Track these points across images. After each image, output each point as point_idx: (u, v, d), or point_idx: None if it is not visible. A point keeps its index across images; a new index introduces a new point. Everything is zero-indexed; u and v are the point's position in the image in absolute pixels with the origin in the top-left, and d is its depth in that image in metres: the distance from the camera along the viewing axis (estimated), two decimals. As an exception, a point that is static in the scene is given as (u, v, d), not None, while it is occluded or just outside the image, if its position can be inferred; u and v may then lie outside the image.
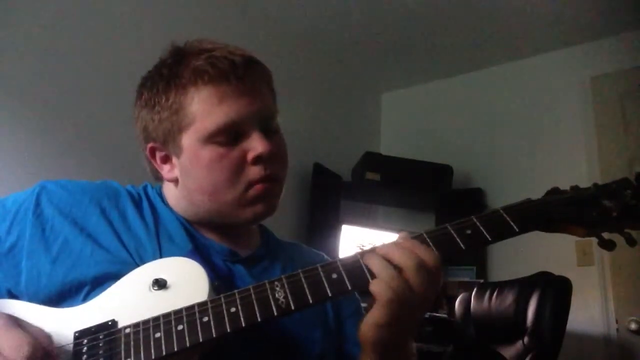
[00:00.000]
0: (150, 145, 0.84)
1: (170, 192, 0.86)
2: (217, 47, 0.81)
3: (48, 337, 0.60)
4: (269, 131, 0.81)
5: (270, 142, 0.78)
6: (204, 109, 0.77)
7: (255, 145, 0.77)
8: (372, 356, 0.66)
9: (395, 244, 0.67)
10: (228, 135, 0.77)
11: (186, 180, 0.82)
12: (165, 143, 0.82)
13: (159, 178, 0.88)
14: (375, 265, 0.64)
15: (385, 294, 0.62)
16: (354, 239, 2.88)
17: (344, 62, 3.32)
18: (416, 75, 3.50)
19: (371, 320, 0.64)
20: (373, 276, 0.65)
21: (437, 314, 2.40)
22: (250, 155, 0.77)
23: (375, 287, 0.63)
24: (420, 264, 0.63)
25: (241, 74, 0.78)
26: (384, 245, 0.67)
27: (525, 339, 1.84)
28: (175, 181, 0.84)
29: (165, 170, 0.84)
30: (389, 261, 0.65)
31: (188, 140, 0.79)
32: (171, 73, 0.80)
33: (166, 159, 0.84)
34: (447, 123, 3.40)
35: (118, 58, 2.16)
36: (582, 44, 2.94)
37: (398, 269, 0.64)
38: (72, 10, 2.05)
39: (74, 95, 2.01)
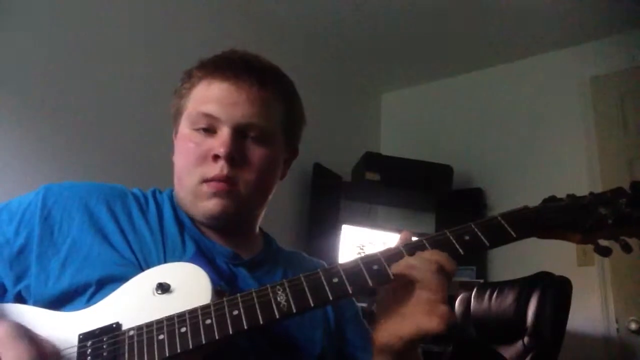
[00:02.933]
0: (174, 129, 0.91)
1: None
2: (239, 52, 0.87)
3: (55, 348, 0.60)
4: (251, 138, 0.82)
5: (233, 145, 0.79)
6: (196, 95, 0.84)
7: (217, 144, 0.80)
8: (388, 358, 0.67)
9: (417, 256, 0.67)
10: (207, 126, 0.82)
11: (174, 162, 0.87)
12: (174, 125, 0.90)
13: None
14: (420, 276, 0.65)
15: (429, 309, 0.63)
16: (354, 239, 2.89)
17: (344, 62, 3.32)
18: (416, 75, 3.51)
19: (400, 333, 0.65)
20: (387, 279, 0.66)
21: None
22: (211, 152, 0.80)
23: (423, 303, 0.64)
24: (440, 271, 0.65)
25: (240, 75, 0.82)
26: (406, 257, 0.68)
27: (525, 339, 1.84)
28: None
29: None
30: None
31: (182, 123, 0.86)
32: (192, 68, 0.88)
33: None
34: (447, 123, 3.41)
35: (123, 61, 2.17)
36: (582, 44, 2.94)
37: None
38: (77, 11, 2.05)
39: (76, 97, 2.01)
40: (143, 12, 2.30)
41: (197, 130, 0.82)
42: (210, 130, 0.82)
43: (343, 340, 0.87)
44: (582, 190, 0.77)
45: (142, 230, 0.80)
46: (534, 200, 0.80)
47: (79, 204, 0.80)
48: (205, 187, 0.80)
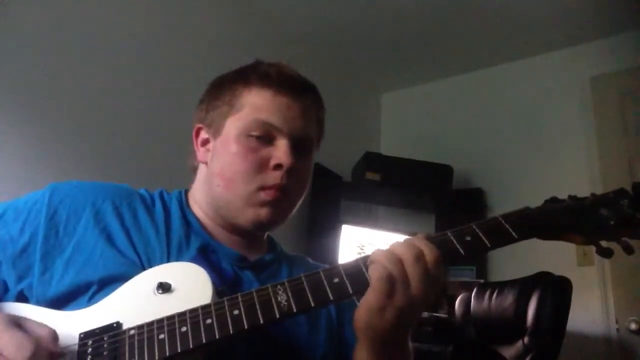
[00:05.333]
0: (198, 125, 0.92)
1: (194, 190, 0.91)
2: (285, 65, 0.90)
3: (52, 336, 0.61)
4: (300, 150, 0.85)
5: (294, 158, 0.82)
6: (255, 102, 0.85)
7: (280, 154, 0.82)
8: (366, 346, 0.67)
9: (398, 241, 0.69)
10: (263, 134, 0.83)
11: (213, 163, 0.87)
12: (209, 125, 0.89)
13: (194, 168, 0.94)
14: (375, 254, 0.67)
15: (379, 273, 0.64)
16: (354, 239, 2.89)
17: (344, 62, 3.32)
18: (416, 75, 3.50)
19: (364, 304, 0.66)
20: None
21: (437, 314, 2.40)
22: (272, 161, 0.82)
23: (370, 269, 0.66)
24: (418, 255, 0.65)
25: (299, 93, 0.86)
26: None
27: (525, 339, 1.84)
28: (205, 164, 0.89)
29: (201, 151, 0.90)
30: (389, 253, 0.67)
31: (229, 125, 0.85)
32: (240, 73, 0.90)
33: (205, 142, 0.90)
34: (447, 123, 3.40)
35: (124, 62, 2.16)
36: (582, 44, 2.94)
37: (399, 260, 0.66)
38: (78, 11, 2.05)
39: (78, 97, 2.01)
40: (144, 12, 2.29)
41: (250, 136, 0.83)
42: (264, 139, 0.83)
43: (341, 341, 0.87)
44: (582, 189, 0.77)
45: (147, 230, 0.81)
46: (534, 199, 0.80)
47: (85, 203, 0.80)
48: (263, 195, 0.82)
